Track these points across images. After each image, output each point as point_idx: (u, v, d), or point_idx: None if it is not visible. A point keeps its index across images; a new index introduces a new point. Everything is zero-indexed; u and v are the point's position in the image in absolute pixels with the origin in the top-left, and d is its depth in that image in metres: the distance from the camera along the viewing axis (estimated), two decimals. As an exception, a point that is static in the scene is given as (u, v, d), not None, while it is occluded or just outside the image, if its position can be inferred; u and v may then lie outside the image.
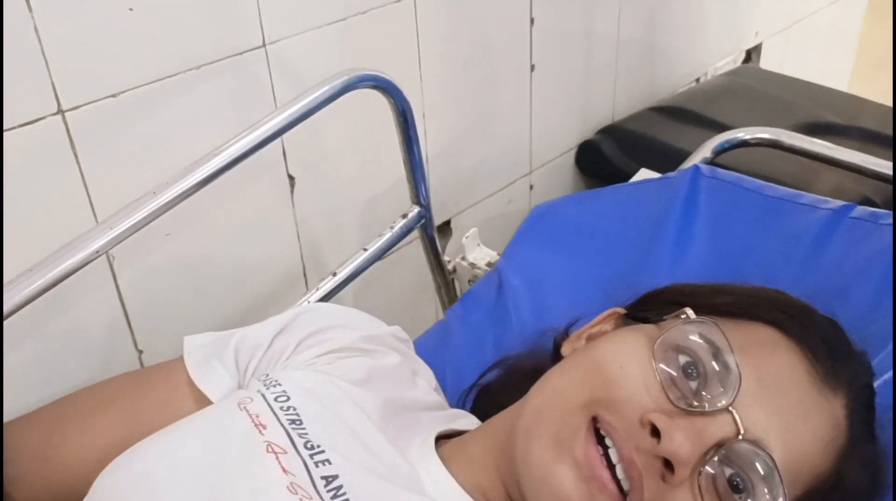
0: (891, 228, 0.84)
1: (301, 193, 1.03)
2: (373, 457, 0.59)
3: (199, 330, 0.73)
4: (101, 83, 0.80)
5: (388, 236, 0.94)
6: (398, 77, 0.87)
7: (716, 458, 0.52)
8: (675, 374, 0.55)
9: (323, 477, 0.56)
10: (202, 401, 0.67)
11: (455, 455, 0.63)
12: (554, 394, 0.59)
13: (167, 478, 0.56)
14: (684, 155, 1.17)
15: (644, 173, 1.23)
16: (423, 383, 0.72)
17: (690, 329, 0.57)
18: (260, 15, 0.90)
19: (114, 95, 0.81)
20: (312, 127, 0.86)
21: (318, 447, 0.58)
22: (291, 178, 1.01)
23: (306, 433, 0.59)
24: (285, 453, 0.57)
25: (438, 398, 0.73)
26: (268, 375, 0.66)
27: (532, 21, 1.24)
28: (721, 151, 1.16)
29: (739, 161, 1.23)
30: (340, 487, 0.55)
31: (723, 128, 1.22)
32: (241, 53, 0.90)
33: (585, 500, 0.53)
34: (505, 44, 1.22)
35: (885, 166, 1.10)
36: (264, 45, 0.92)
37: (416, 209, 0.95)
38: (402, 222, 0.95)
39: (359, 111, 1.02)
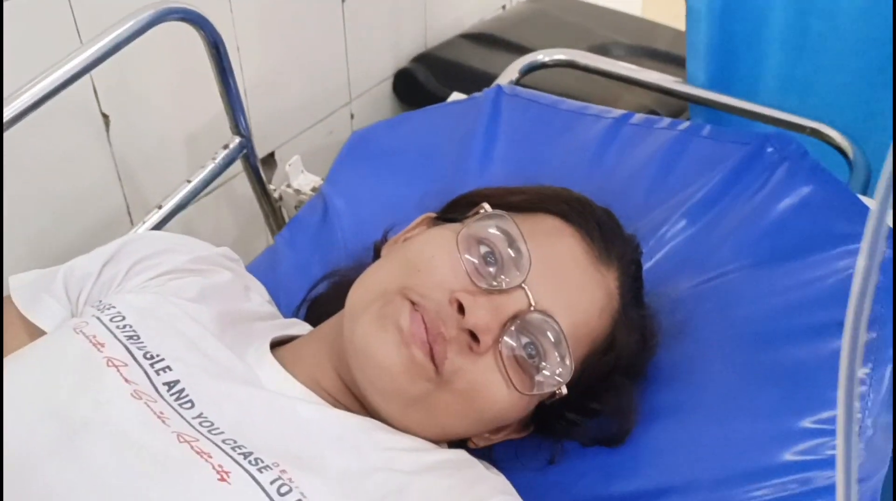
0: (662, 131, 0.96)
1: (117, 131, 1.02)
2: (211, 362, 0.63)
3: (22, 273, 0.73)
4: None
5: (210, 167, 0.96)
6: (208, 10, 0.88)
7: (513, 328, 0.61)
8: (476, 261, 0.63)
9: (165, 383, 0.60)
10: (36, 336, 0.68)
11: (289, 356, 0.68)
12: (373, 282, 0.66)
13: (10, 408, 0.56)
14: (493, 78, 1.25)
15: (456, 96, 1.30)
16: (256, 296, 0.77)
17: (488, 223, 0.65)
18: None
19: None
20: (123, 63, 0.87)
21: (158, 356, 0.61)
22: (105, 116, 1.00)
23: (144, 346, 0.62)
24: (126, 365, 0.60)
25: (272, 309, 0.78)
26: (101, 301, 0.68)
27: (339, -49, 1.27)
28: (525, 72, 1.25)
29: (547, 84, 1.33)
30: (183, 390, 0.59)
31: (527, 52, 1.31)
32: (38, -12, 0.88)
33: (406, 361, 0.60)
34: (314, -25, 1.24)
35: (665, 80, 1.23)
36: (63, -21, 0.90)
37: (238, 140, 0.98)
38: (223, 153, 0.97)
39: (171, 45, 1.02)
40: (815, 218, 0.83)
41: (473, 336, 0.60)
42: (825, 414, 0.68)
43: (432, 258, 0.64)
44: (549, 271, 0.63)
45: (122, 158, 1.04)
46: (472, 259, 0.63)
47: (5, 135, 0.72)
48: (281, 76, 1.25)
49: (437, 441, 0.66)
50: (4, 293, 0.73)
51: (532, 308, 0.61)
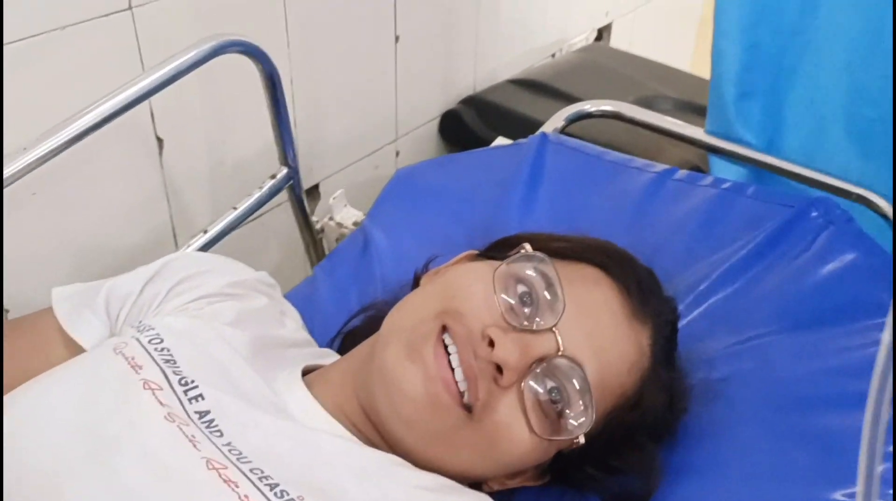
0: (705, 189, 0.96)
1: (170, 154, 1.05)
2: (241, 389, 0.64)
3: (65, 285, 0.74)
4: (-38, 40, 0.80)
5: (256, 195, 0.98)
6: (266, 43, 0.91)
7: (538, 369, 0.61)
8: (511, 300, 0.63)
9: (196, 412, 0.61)
10: (74, 349, 0.70)
11: (318, 382, 0.69)
12: (408, 309, 0.67)
13: (44, 426, 0.58)
14: (538, 125, 1.26)
15: (500, 141, 1.31)
16: (291, 322, 0.78)
17: (527, 263, 0.66)
18: (125, -23, 0.92)
19: (-24, 53, 0.81)
20: (181, 90, 0.89)
21: (192, 382, 0.62)
22: (160, 139, 1.03)
23: (180, 370, 0.63)
24: (161, 389, 0.61)
25: (306, 336, 0.79)
26: (141, 321, 0.69)
27: (396, -7, 1.30)
28: (570, 121, 1.27)
29: (592, 133, 1.34)
30: (213, 421, 0.60)
31: (574, 101, 1.32)
32: (107, 15, 0.91)
33: (431, 398, 0.60)
34: (370, 15, 1.27)
35: (711, 138, 1.23)
36: (130, 7, 0.93)
37: (285, 170, 1.00)
38: (270, 183, 0.99)
39: (227, 75, 1.05)
40: (857, 285, 0.82)
41: (499, 370, 0.60)
42: (858, 488, 0.66)
43: (469, 288, 0.65)
44: (582, 318, 0.64)
45: (171, 181, 1.06)
46: (507, 297, 0.64)
47: (67, 152, 0.74)
48: (330, 110, 1.28)
49: (458, 481, 0.66)
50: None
51: (560, 353, 0.62)
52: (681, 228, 0.91)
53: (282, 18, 1.12)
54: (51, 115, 0.87)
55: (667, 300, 0.72)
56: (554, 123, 1.26)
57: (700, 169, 1.34)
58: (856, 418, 0.70)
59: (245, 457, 0.58)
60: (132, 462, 0.56)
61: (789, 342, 0.78)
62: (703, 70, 2.13)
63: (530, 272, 0.65)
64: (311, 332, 0.85)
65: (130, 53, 0.95)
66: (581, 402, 0.62)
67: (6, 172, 0.69)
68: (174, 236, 1.10)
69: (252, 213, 0.98)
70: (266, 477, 0.57)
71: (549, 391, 0.62)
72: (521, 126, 1.37)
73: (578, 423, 0.62)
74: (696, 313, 0.83)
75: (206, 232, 0.95)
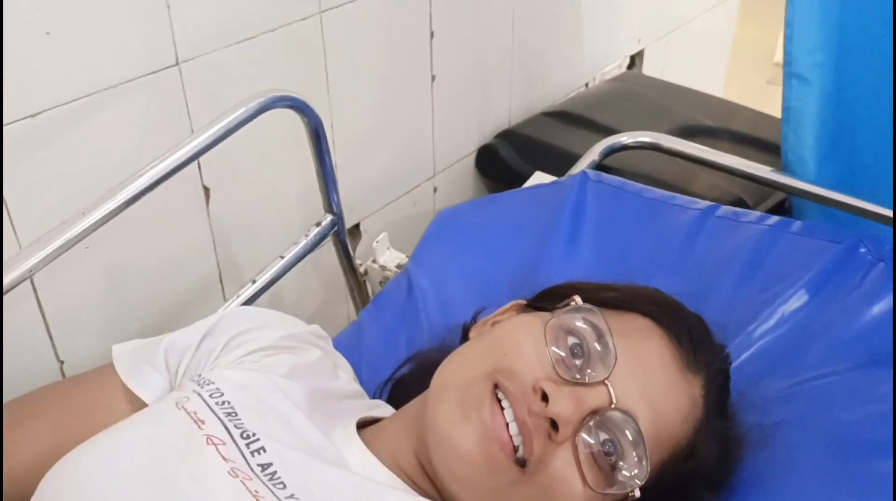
0: (750, 226, 0.95)
1: (216, 204, 1.07)
2: (302, 440, 0.65)
3: (118, 340, 0.76)
4: (21, 104, 0.83)
5: (302, 243, 1.00)
6: (307, 89, 0.93)
7: (591, 422, 0.61)
8: (563, 353, 0.64)
9: (259, 465, 0.62)
10: (136, 404, 0.71)
11: (374, 437, 0.70)
12: (460, 365, 0.67)
13: (111, 479, 0.59)
14: (575, 157, 1.27)
15: (539, 176, 1.32)
16: (344, 374, 0.79)
17: (578, 315, 0.66)
18: (173, 34, 0.94)
19: (33, 116, 0.84)
20: (226, 141, 0.91)
21: (254, 435, 0.63)
22: (206, 189, 1.05)
23: (242, 423, 0.64)
24: (224, 444, 0.62)
25: (358, 387, 0.80)
26: (200, 375, 0.70)
27: (432, 34, 1.31)
28: (607, 153, 1.27)
29: (628, 162, 1.34)
30: (276, 473, 0.61)
31: (609, 131, 1.32)
32: (155, 72, 0.94)
33: (486, 458, 0.61)
34: (407, 57, 1.29)
35: (752, 167, 1.23)
36: (178, 63, 0.96)
37: (329, 217, 1.01)
38: (315, 230, 1.01)
39: (271, 125, 1.06)
40: (911, 323, 0.81)
41: (553, 425, 0.61)
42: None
43: (520, 344, 0.65)
44: (634, 370, 0.64)
45: (218, 230, 1.08)
46: (558, 351, 0.64)
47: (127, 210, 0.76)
48: (370, 151, 1.30)
49: None
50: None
51: (613, 405, 0.62)
52: (727, 267, 0.91)
53: (321, 66, 1.14)
54: (104, 171, 0.91)
55: (718, 349, 0.72)
56: (590, 156, 1.27)
57: (742, 200, 1.34)
58: (917, 464, 0.69)
59: None
60: None
61: (844, 384, 0.77)
62: (739, 87, 2.11)
63: (581, 324, 0.65)
64: (360, 378, 0.86)
65: (179, 108, 0.97)
66: (635, 454, 0.62)
67: (63, 238, 0.71)
68: (221, 284, 1.12)
69: (298, 261, 1.00)
70: None
71: (603, 444, 0.62)
72: (558, 159, 1.38)
73: (632, 475, 0.62)
74: (746, 354, 0.83)
75: (254, 281, 0.96)
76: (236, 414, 0.65)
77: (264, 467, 0.62)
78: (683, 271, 0.91)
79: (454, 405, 0.63)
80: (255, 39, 1.04)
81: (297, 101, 0.87)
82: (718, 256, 0.92)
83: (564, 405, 0.60)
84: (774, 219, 0.96)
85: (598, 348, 0.64)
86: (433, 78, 1.35)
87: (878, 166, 1.13)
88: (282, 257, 0.98)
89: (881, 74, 1.08)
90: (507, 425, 0.62)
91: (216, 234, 1.08)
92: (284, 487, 0.61)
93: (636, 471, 0.62)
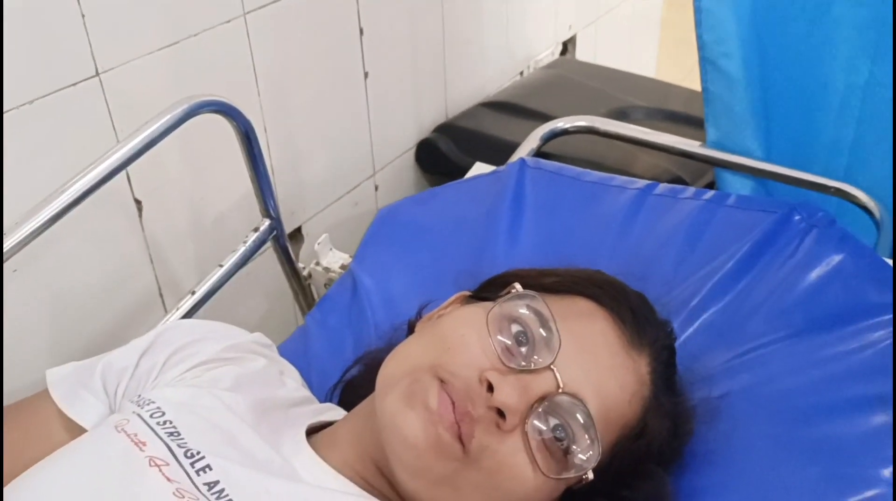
0: (687, 201, 0.96)
1: (149, 216, 1.04)
2: (249, 455, 0.64)
3: (58, 363, 0.74)
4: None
5: (241, 250, 0.98)
6: (236, 95, 0.91)
7: (540, 409, 0.61)
8: (506, 341, 0.63)
9: (205, 483, 0.60)
10: (74, 431, 0.69)
11: (325, 441, 0.69)
12: (405, 357, 0.66)
13: None
14: (514, 146, 1.27)
15: (479, 167, 1.32)
16: (291, 381, 0.77)
17: (519, 302, 0.66)
18: (90, 45, 0.91)
19: (-54, 138, 0.81)
20: (155, 151, 0.89)
21: (198, 453, 0.62)
22: (138, 202, 1.03)
23: (185, 443, 0.62)
24: (167, 465, 0.60)
25: (307, 393, 0.79)
26: (140, 395, 0.68)
27: (361, 31, 1.30)
28: (546, 140, 1.27)
29: (569, 148, 1.35)
30: (223, 490, 0.60)
31: (546, 118, 1.33)
32: (74, 84, 0.91)
33: (432, 440, 0.60)
34: (338, 55, 1.28)
35: (685, 144, 1.24)
36: (97, 74, 0.93)
37: (267, 222, 0.99)
38: (254, 236, 0.99)
39: (200, 132, 1.04)
40: (847, 287, 0.82)
41: (501, 414, 0.60)
42: (869, 493, 0.67)
43: (463, 337, 0.64)
44: (579, 353, 0.64)
45: (154, 242, 1.06)
46: (502, 339, 0.64)
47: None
48: (306, 152, 1.28)
49: None
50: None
51: (561, 390, 0.62)
52: (667, 244, 0.92)
53: (250, 68, 1.12)
54: (28, 189, 0.87)
55: (662, 325, 0.72)
56: (530, 143, 1.27)
57: (681, 178, 1.36)
58: (860, 423, 0.71)
59: None
60: None
61: (786, 352, 0.79)
62: (670, 68, 2.14)
63: (523, 311, 0.65)
64: (309, 383, 0.84)
65: (102, 121, 0.95)
66: (586, 437, 0.62)
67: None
68: (161, 297, 1.09)
69: (238, 268, 0.98)
70: None
71: (554, 429, 0.62)
72: (497, 149, 1.38)
73: (586, 458, 0.62)
74: (690, 330, 0.84)
75: (193, 293, 0.94)
76: (179, 434, 0.63)
77: (211, 486, 0.60)
78: (624, 251, 0.92)
79: (399, 395, 0.62)
80: (178, 45, 1.01)
81: (224, 105, 0.85)
82: (658, 234, 0.93)
83: (508, 393, 0.60)
84: (711, 193, 0.97)
85: (543, 333, 0.64)
86: (366, 75, 1.34)
87: (797, 134, 1.16)
88: (221, 266, 0.96)
89: (797, 54, 1.10)
90: (454, 408, 0.61)
91: (152, 247, 1.06)
92: None
93: (589, 454, 0.62)
